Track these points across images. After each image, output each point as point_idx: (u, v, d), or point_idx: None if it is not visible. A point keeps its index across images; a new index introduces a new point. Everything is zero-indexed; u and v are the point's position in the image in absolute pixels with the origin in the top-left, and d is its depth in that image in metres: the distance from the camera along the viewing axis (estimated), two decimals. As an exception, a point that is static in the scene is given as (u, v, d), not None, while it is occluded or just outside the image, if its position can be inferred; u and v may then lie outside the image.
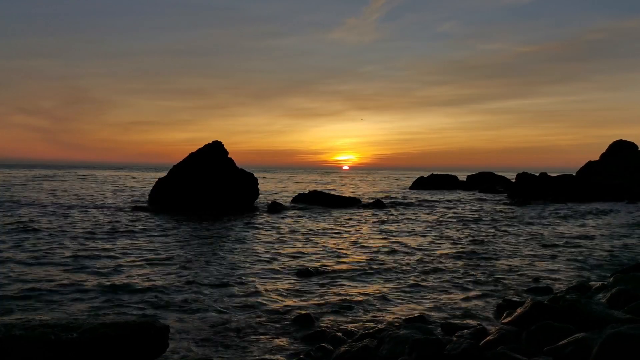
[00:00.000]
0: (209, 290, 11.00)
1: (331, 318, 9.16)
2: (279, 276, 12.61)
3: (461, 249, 17.25)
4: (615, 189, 48.18)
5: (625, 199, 44.47)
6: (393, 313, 9.53)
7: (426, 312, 9.45)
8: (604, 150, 59.88)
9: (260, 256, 15.39)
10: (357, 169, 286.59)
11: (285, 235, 20.21)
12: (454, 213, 31.90)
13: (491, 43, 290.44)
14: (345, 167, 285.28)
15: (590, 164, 59.18)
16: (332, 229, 22.83)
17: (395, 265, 14.32)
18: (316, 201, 37.07)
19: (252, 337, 8.08)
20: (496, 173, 70.76)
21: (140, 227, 21.94)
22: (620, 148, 57.93)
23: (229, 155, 33.59)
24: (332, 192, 43.97)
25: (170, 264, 13.82)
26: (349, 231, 22.09)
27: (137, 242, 17.78)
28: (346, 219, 26.94)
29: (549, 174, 49.12)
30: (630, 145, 58.10)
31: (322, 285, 11.70)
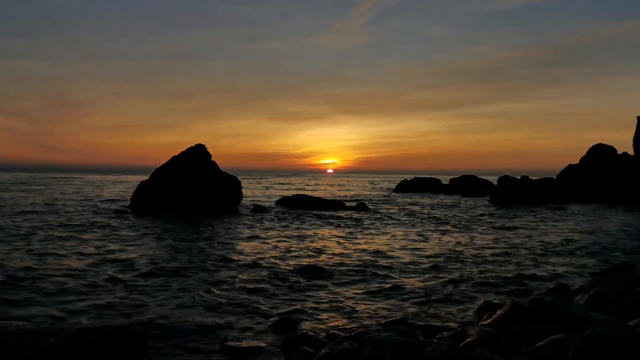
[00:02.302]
0: (188, 294, 10.92)
1: (313, 321, 9.16)
2: (260, 279, 12.56)
3: (442, 252, 17.35)
4: (595, 192, 48.89)
5: (605, 202, 45.12)
6: (374, 316, 9.55)
7: (407, 315, 9.48)
8: (584, 154, 60.69)
9: (240, 259, 15.31)
10: (342, 172, 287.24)
11: (267, 238, 20.15)
12: (436, 216, 32.09)
13: (477, 48, 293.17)
14: (330, 171, 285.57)
15: (570, 167, 59.95)
16: (314, 231, 22.82)
17: (377, 267, 14.34)
18: (300, 204, 37.05)
19: (232, 341, 8.03)
20: (479, 176, 71.36)
21: (121, 230, 21.74)
22: (599, 152, 58.77)
23: (213, 159, 33.49)
24: (316, 195, 43.97)
25: (150, 268, 13.68)
26: (332, 234, 22.10)
27: (116, 245, 17.61)
28: (329, 222, 26.94)
29: (531, 177, 49.65)
30: (609, 149, 58.95)
31: (304, 288, 11.68)
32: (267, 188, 71.93)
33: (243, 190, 35.56)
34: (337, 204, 38.15)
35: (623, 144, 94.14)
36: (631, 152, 56.32)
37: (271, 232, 22.20)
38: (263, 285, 11.89)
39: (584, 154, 60.96)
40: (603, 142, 60.17)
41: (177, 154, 32.89)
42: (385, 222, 27.96)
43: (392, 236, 21.71)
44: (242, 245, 18.27)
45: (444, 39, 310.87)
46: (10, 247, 16.67)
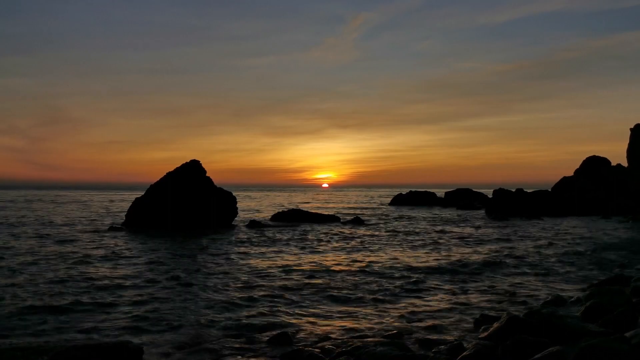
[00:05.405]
0: (183, 310, 10.85)
1: (309, 336, 9.09)
2: (254, 294, 12.49)
3: (439, 265, 17.31)
4: (589, 204, 49.03)
5: (600, 213, 45.27)
6: (371, 330, 9.49)
7: (404, 328, 9.43)
8: (577, 166, 60.90)
9: (235, 273, 15.24)
10: (336, 187, 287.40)
11: (263, 253, 20.07)
12: (432, 229, 32.07)
13: (467, 62, 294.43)
14: (325, 185, 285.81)
15: (564, 179, 60.07)
16: (310, 246, 22.75)
17: (373, 281, 14.30)
18: (295, 219, 37.00)
19: (227, 357, 7.96)
20: (474, 189, 71.49)
21: (116, 247, 21.63)
22: (593, 164, 58.99)
23: (208, 174, 33.44)
24: (312, 210, 43.94)
25: (145, 284, 13.61)
26: (327, 248, 22.04)
27: (111, 262, 17.51)
28: (325, 236, 26.88)
29: (525, 189, 49.78)
30: (603, 161, 59.20)
31: (300, 303, 11.62)
32: (262, 203, 71.83)
33: (238, 206, 35.50)
34: (332, 219, 38.14)
35: (614, 155, 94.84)
36: (624, 163, 56.69)
37: (266, 247, 22.12)
38: (257, 299, 11.82)
39: (575, 166, 61.16)
40: (593, 155, 60.40)
41: (171, 170, 32.85)
42: (380, 234, 27.90)
43: (387, 248, 21.66)
44: (236, 261, 18.18)
45: (435, 53, 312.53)
46: None
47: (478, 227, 33.61)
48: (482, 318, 9.76)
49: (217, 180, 33.84)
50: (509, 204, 46.72)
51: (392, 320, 10.24)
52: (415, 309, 11.14)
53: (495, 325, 8.18)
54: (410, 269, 16.65)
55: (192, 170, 32.80)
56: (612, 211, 46.03)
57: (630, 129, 55.10)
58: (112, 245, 22.14)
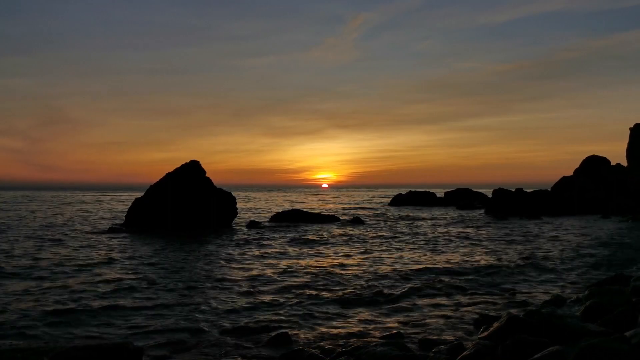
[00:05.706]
0: (181, 311, 10.85)
1: (309, 336, 9.10)
2: (254, 295, 12.50)
3: (439, 265, 17.32)
4: (589, 204, 49.05)
5: (600, 213, 45.29)
6: (371, 330, 9.50)
7: (404, 329, 9.44)
8: (577, 166, 60.88)
9: (235, 275, 15.25)
10: (336, 187, 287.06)
11: (263, 253, 20.08)
12: (431, 229, 32.08)
13: (467, 62, 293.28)
14: (325, 185, 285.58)
15: (564, 179, 60.06)
16: (309, 247, 22.76)
17: (373, 281, 14.30)
18: (295, 219, 37.01)
19: (227, 357, 7.97)
20: (473, 189, 71.50)
21: (116, 248, 21.63)
22: (593, 164, 58.98)
23: (207, 175, 33.42)
24: (312, 210, 43.95)
25: (145, 286, 13.61)
26: (327, 248, 22.04)
27: (111, 263, 17.51)
28: (325, 236, 26.89)
29: (525, 189, 49.79)
30: (603, 160, 59.19)
31: (300, 303, 11.63)
32: (262, 203, 71.83)
33: (238, 206, 35.49)
34: (332, 219, 38.15)
35: (614, 155, 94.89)
36: (624, 163, 56.69)
37: (265, 248, 22.12)
38: (256, 301, 11.83)
39: (575, 166, 61.14)
40: (593, 154, 60.37)
41: (171, 170, 32.82)
42: (379, 234, 27.90)
43: (386, 248, 21.67)
44: (235, 262, 18.19)
45: (434, 53, 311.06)
46: None
47: (478, 227, 33.61)
48: (482, 318, 9.76)
49: (216, 180, 33.86)
50: (508, 204, 46.74)
51: (392, 320, 10.25)
52: (415, 309, 11.15)
53: (495, 325, 8.18)
54: (410, 269, 16.65)
55: (192, 170, 32.78)
56: (611, 211, 46.06)
57: (630, 129, 55.10)
58: (111, 246, 22.14)
